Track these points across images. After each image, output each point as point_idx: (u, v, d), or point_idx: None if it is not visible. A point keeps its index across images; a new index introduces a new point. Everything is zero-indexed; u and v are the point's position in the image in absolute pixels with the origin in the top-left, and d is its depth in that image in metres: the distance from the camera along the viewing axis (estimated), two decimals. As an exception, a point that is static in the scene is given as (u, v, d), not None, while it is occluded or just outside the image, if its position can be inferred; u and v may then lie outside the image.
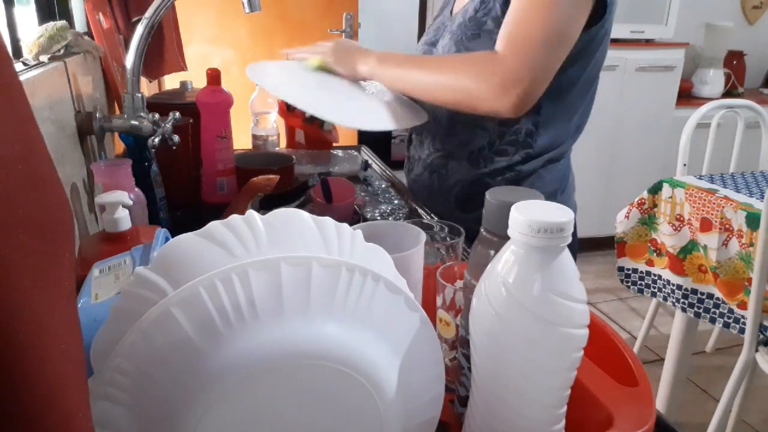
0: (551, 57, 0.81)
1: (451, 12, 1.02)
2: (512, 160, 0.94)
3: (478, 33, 0.89)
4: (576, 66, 0.88)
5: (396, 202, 1.09)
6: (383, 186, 1.19)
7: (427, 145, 1.02)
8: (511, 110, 0.81)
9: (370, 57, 0.95)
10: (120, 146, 1.15)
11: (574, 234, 1.04)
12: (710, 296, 1.47)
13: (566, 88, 0.90)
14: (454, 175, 0.98)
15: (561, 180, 0.98)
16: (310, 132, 1.31)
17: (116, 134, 1.04)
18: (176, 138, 0.90)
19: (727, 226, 1.37)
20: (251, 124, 1.30)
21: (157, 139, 0.86)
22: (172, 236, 0.45)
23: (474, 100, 0.83)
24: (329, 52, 1.00)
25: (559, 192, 0.97)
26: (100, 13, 1.05)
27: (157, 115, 0.88)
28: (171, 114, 0.90)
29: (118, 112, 1.12)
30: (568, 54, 0.83)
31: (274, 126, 1.30)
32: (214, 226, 0.36)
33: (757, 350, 1.37)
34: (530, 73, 0.80)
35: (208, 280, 0.33)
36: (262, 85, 0.94)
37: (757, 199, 1.40)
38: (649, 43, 2.70)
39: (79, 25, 1.14)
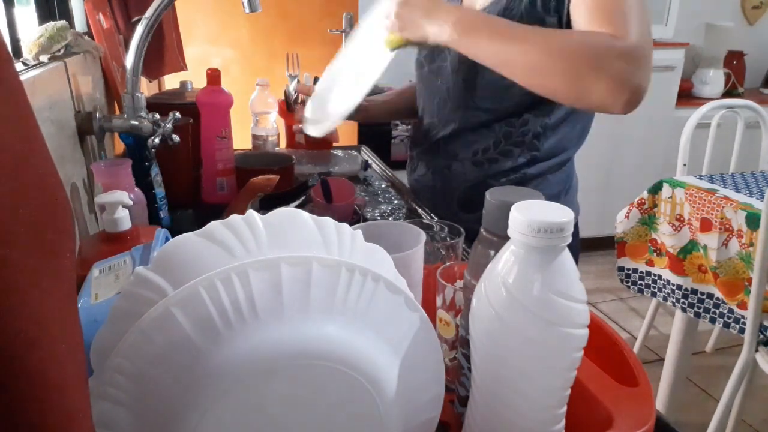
0: (648, 24, 0.74)
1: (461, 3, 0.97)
2: (517, 162, 0.93)
3: None
4: None
5: (396, 202, 1.09)
6: (383, 186, 1.19)
7: (431, 146, 1.02)
8: (630, 98, 0.71)
9: (446, 23, 0.78)
10: (120, 146, 1.15)
11: (576, 234, 1.04)
12: (710, 296, 1.47)
13: None
14: (457, 177, 0.98)
15: (565, 182, 0.97)
16: (310, 132, 1.31)
17: (116, 134, 1.04)
18: (176, 138, 0.90)
19: (727, 226, 1.37)
20: (251, 124, 1.30)
21: (157, 139, 0.86)
22: (172, 236, 0.45)
23: (589, 98, 0.72)
24: (394, 19, 0.82)
25: (562, 194, 0.97)
26: (100, 13, 1.05)
27: (157, 115, 0.88)
28: (171, 114, 0.90)
29: (118, 112, 1.12)
30: None
31: (274, 126, 1.30)
32: (214, 226, 0.36)
33: (757, 350, 1.37)
34: (650, 64, 0.72)
35: (208, 280, 0.33)
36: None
37: (757, 199, 1.40)
38: (649, 43, 2.70)
39: (79, 25, 1.14)
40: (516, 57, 0.74)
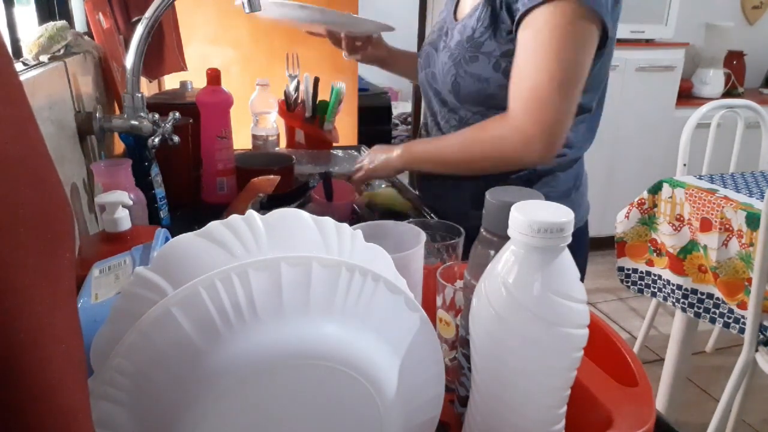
0: (565, 103, 0.82)
1: (454, 11, 1.00)
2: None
3: (476, 55, 0.88)
4: (588, 90, 0.88)
5: (396, 202, 1.08)
6: (383, 186, 1.19)
7: None
8: (543, 161, 0.86)
9: (398, 163, 0.99)
10: (120, 146, 1.15)
11: (586, 233, 1.05)
12: (710, 296, 1.47)
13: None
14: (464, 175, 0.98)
15: (575, 179, 0.98)
16: (310, 132, 1.31)
17: (116, 134, 1.04)
18: (176, 138, 0.90)
19: (727, 226, 1.37)
20: (251, 124, 1.30)
21: (157, 139, 0.86)
22: (172, 236, 0.45)
23: (509, 166, 0.90)
24: (371, 172, 1.03)
25: (573, 190, 0.97)
26: (100, 13, 1.05)
27: (157, 115, 0.88)
28: (171, 114, 0.90)
29: (118, 112, 1.12)
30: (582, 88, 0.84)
31: (274, 126, 1.30)
32: (214, 226, 0.36)
33: (757, 350, 1.37)
34: (547, 127, 0.82)
35: (208, 280, 0.33)
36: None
37: (757, 199, 1.40)
38: (649, 43, 2.70)
39: (79, 25, 1.14)
40: (452, 168, 0.96)
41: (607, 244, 2.44)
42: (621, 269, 1.70)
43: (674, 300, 1.55)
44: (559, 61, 0.79)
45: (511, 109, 0.84)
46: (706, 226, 1.42)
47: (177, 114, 0.90)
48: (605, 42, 0.84)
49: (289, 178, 1.06)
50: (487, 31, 0.87)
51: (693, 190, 1.47)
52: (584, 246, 1.06)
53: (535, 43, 0.80)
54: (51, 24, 0.84)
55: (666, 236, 1.54)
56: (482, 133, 0.89)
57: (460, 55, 0.91)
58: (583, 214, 1.04)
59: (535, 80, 0.81)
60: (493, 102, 0.89)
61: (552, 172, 0.94)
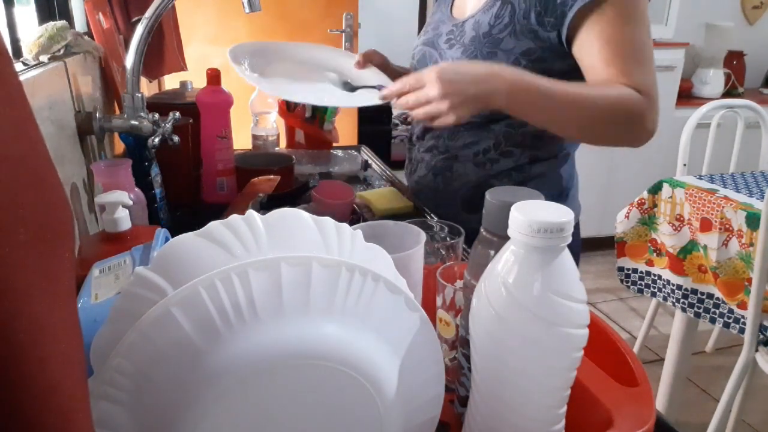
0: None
1: (450, 10, 0.99)
2: (519, 161, 0.93)
3: (494, 52, 0.86)
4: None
5: (396, 202, 1.08)
6: (383, 186, 1.19)
7: (431, 147, 1.01)
8: (653, 131, 0.82)
9: (499, 95, 0.75)
10: (120, 146, 1.15)
11: (578, 234, 1.04)
12: (710, 296, 1.47)
13: None
14: (459, 177, 0.97)
15: (567, 180, 0.97)
16: (310, 132, 1.31)
17: (116, 134, 1.04)
18: (176, 138, 0.90)
19: (727, 226, 1.37)
20: (251, 124, 1.30)
21: (157, 139, 0.86)
22: (172, 236, 0.45)
23: (627, 130, 0.82)
24: (441, 100, 0.73)
25: (565, 192, 0.97)
26: (100, 13, 1.05)
27: (157, 115, 0.88)
28: (171, 114, 0.90)
29: (118, 112, 1.12)
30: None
31: (274, 126, 1.30)
32: (214, 226, 0.36)
33: (757, 350, 1.37)
34: (657, 98, 0.81)
35: (208, 280, 0.33)
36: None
37: (757, 199, 1.40)
38: (649, 43, 2.70)
39: (79, 25, 1.14)
40: (564, 124, 0.82)
41: (607, 244, 2.44)
42: (621, 269, 1.70)
43: (674, 300, 1.55)
44: (646, 26, 0.81)
45: (629, 80, 0.79)
46: (706, 226, 1.42)
47: (177, 114, 0.91)
48: None
49: (289, 178, 1.06)
50: (506, 28, 0.85)
51: (693, 190, 1.47)
52: (575, 247, 1.06)
53: (619, 22, 0.79)
54: (51, 24, 0.84)
55: (666, 236, 1.55)
56: (605, 88, 0.79)
57: (476, 51, 0.88)
58: (575, 215, 1.04)
59: (639, 50, 0.80)
60: None
61: (544, 174, 0.94)
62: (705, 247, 1.42)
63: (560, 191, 0.96)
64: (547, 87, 0.77)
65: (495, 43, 0.86)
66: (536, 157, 0.93)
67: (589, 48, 0.82)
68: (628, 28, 0.80)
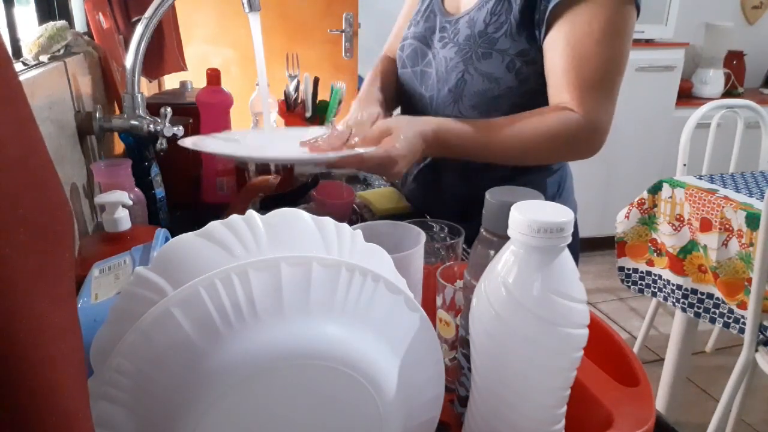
0: (617, 93, 0.82)
1: (442, 3, 0.95)
2: (506, 172, 0.90)
3: (489, 52, 0.84)
4: None
5: (396, 202, 1.08)
6: (383, 186, 1.19)
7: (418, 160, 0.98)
8: (596, 152, 0.84)
9: (427, 153, 0.80)
10: (120, 146, 1.15)
11: (576, 233, 1.03)
12: (710, 296, 1.47)
13: None
14: (447, 190, 0.96)
15: (558, 184, 0.96)
16: (310, 132, 1.31)
17: (116, 134, 1.04)
18: (178, 129, 0.87)
19: (727, 226, 1.37)
20: (251, 124, 1.30)
21: (164, 143, 0.86)
22: (172, 236, 0.45)
23: (567, 155, 0.88)
24: (403, 162, 0.76)
25: (556, 197, 0.95)
26: (100, 13, 1.05)
27: (158, 120, 0.87)
28: (162, 110, 0.87)
29: (118, 112, 1.12)
30: None
31: (274, 126, 1.30)
32: (214, 226, 0.36)
33: (757, 350, 1.37)
34: (611, 117, 0.82)
35: (208, 280, 0.33)
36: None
37: (757, 199, 1.40)
38: (649, 43, 2.70)
39: (79, 25, 1.14)
40: (501, 161, 0.85)
41: (607, 244, 2.44)
42: (621, 269, 1.70)
43: (674, 300, 1.55)
44: (619, 47, 0.79)
45: (576, 97, 0.79)
46: (706, 226, 1.42)
47: (168, 109, 0.88)
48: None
49: (289, 179, 1.06)
50: (502, 27, 0.83)
51: (693, 190, 1.47)
52: (574, 247, 1.05)
53: (590, 29, 0.77)
54: (51, 24, 0.84)
55: (666, 236, 1.55)
56: (544, 118, 0.80)
57: (471, 51, 0.85)
58: None
59: (601, 69, 0.79)
60: (493, 106, 0.86)
61: (533, 181, 0.92)
62: (705, 247, 1.42)
63: (552, 195, 0.95)
64: (473, 139, 0.81)
65: (491, 43, 0.84)
66: (526, 167, 0.91)
67: (553, 49, 0.81)
68: (601, 38, 0.77)
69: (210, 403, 0.33)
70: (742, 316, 1.37)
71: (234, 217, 0.37)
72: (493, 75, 0.84)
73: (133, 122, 0.86)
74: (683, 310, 1.53)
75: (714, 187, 1.49)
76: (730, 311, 1.42)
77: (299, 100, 1.31)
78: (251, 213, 0.37)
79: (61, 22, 0.86)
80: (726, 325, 1.44)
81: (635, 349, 2.01)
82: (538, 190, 0.44)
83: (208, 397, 0.33)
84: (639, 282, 1.67)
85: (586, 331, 0.37)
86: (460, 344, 0.47)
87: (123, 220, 0.62)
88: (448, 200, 0.96)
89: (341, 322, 0.35)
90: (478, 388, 0.41)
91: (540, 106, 0.83)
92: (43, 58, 0.80)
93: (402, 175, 0.81)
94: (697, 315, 1.50)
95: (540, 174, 0.93)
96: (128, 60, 0.85)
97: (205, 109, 1.03)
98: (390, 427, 0.38)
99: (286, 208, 0.38)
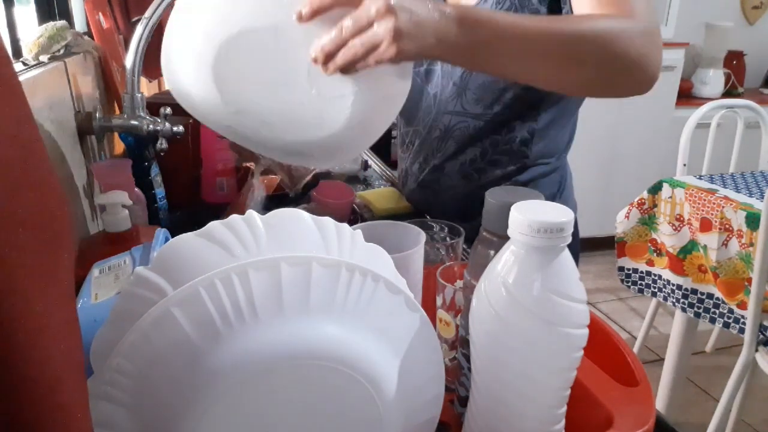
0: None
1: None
2: (506, 170, 0.90)
3: None
4: None
5: (396, 202, 1.08)
6: (383, 186, 1.19)
7: (416, 159, 0.99)
8: (654, 81, 0.68)
9: (452, 22, 0.59)
10: (120, 146, 1.15)
11: (576, 233, 1.03)
12: (710, 296, 1.47)
13: (565, 95, 0.86)
14: (447, 190, 0.95)
15: (558, 183, 0.95)
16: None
17: (116, 134, 1.04)
18: (179, 128, 0.87)
19: (727, 226, 1.37)
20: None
21: (164, 143, 0.86)
22: (172, 236, 0.45)
23: (619, 72, 0.66)
24: (385, 17, 0.54)
25: (557, 196, 0.95)
26: (100, 13, 1.05)
27: (158, 120, 0.87)
28: (162, 110, 0.88)
29: (118, 112, 1.12)
30: None
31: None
32: (214, 226, 0.36)
33: (757, 350, 1.37)
34: (661, 50, 0.67)
35: (208, 280, 0.33)
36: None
37: (757, 199, 1.40)
38: (649, 43, 2.70)
39: (79, 25, 1.14)
40: (540, 62, 0.65)
41: (607, 244, 2.44)
42: (621, 269, 1.70)
43: (674, 300, 1.55)
44: None
45: (627, 9, 0.65)
46: (706, 226, 1.42)
47: (168, 109, 0.88)
48: None
49: (289, 179, 1.05)
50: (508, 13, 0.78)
51: (693, 190, 1.47)
52: (574, 246, 1.04)
53: None
54: (51, 24, 0.84)
55: (666, 236, 1.55)
56: (594, 17, 0.66)
57: None
58: None
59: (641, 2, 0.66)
60: (497, 99, 0.85)
61: (534, 180, 0.92)
62: (705, 247, 1.42)
63: (552, 194, 0.94)
64: (512, 20, 0.63)
65: None
66: (524, 164, 0.90)
67: (584, 6, 0.69)
68: None
69: (210, 403, 0.33)
70: (742, 316, 1.37)
71: (234, 217, 0.37)
72: None
73: (133, 122, 0.86)
74: (683, 310, 1.53)
75: (714, 187, 1.49)
76: (730, 311, 1.42)
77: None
78: (251, 213, 0.37)
79: (61, 22, 0.86)
80: (726, 325, 1.44)
81: (635, 349, 2.01)
82: (538, 190, 0.44)
83: (208, 397, 0.33)
84: (639, 282, 1.67)
85: (586, 331, 0.37)
86: (460, 344, 0.47)
87: (123, 220, 0.62)
88: (448, 200, 0.96)
89: (341, 322, 0.35)
90: (478, 388, 0.41)
91: (545, 98, 0.81)
92: (43, 58, 0.80)
93: (401, 35, 0.55)
94: (697, 315, 1.50)
95: (540, 174, 0.93)
96: (128, 60, 0.85)
97: (205, 109, 1.02)
98: (390, 427, 0.38)
99: (286, 208, 0.38)
